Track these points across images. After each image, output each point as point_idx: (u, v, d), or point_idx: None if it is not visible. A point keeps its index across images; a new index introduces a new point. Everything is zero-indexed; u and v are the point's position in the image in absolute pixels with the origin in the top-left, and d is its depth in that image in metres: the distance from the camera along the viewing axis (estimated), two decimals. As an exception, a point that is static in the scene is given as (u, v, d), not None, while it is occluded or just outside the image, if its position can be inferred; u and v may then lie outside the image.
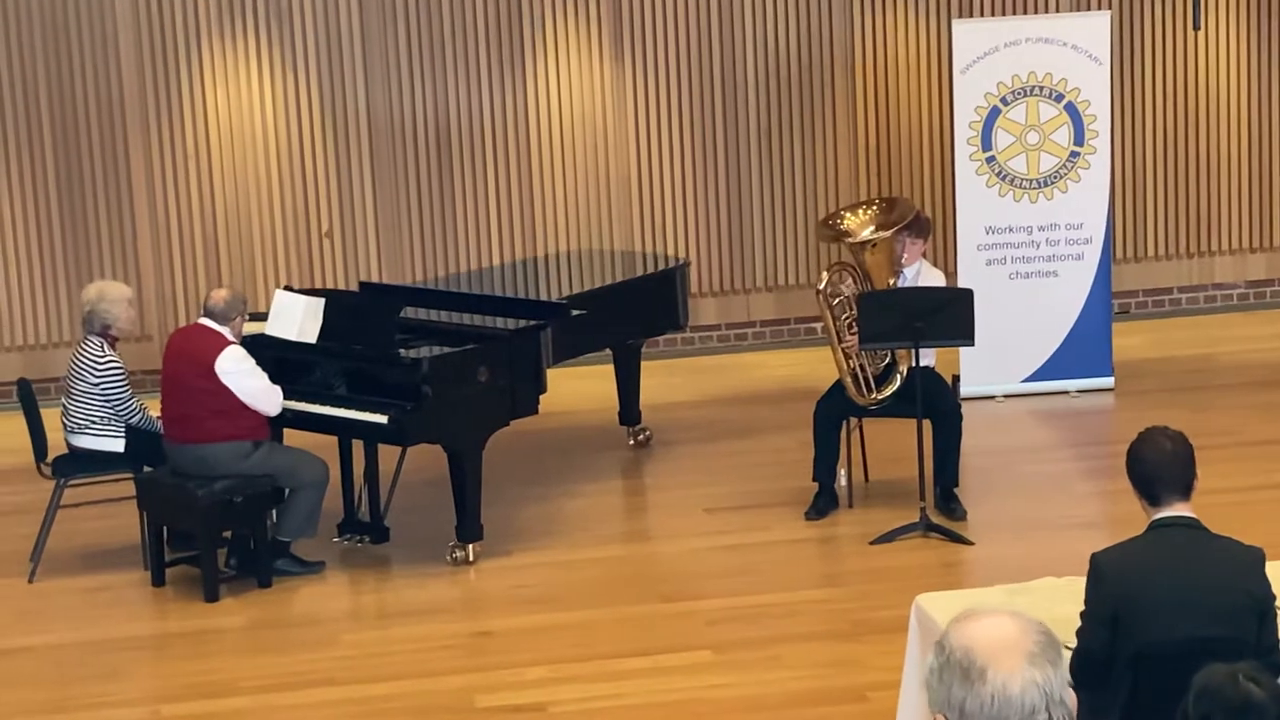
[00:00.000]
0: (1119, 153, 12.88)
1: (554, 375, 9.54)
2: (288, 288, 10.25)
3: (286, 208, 12.60)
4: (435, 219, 12.76)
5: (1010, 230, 11.50)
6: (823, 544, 9.31)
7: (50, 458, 9.35)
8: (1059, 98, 11.41)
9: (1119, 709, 5.39)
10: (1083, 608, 5.51)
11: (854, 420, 9.76)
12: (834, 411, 9.51)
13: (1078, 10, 12.80)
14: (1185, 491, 5.53)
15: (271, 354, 9.16)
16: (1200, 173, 13.35)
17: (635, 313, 10.42)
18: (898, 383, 9.42)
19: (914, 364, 9.21)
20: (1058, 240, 11.51)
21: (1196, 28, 12.87)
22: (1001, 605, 3.06)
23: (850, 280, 9.54)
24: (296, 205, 12.61)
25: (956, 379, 10.15)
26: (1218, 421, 10.58)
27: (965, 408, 9.75)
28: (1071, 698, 2.95)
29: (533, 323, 9.34)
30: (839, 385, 9.49)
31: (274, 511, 9.06)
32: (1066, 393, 11.54)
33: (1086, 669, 5.38)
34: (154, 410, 9.25)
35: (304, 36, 12.45)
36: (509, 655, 8.04)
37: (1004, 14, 12.83)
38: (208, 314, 8.97)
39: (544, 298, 10.30)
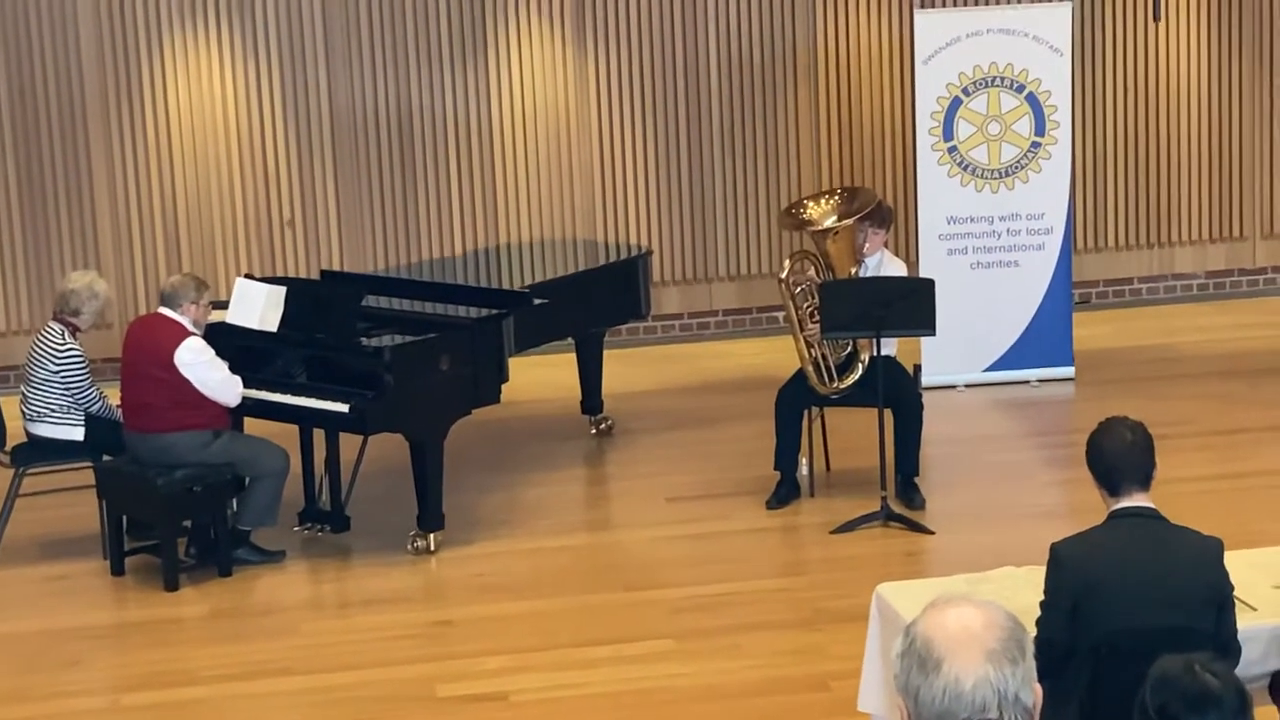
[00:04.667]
0: (1080, 143, 12.92)
1: (516, 364, 9.53)
2: (249, 276, 10.21)
3: (247, 196, 12.55)
4: (397, 207, 12.73)
5: (971, 220, 11.53)
6: (784, 533, 9.32)
7: (9, 446, 9.31)
8: (1020, 88, 11.44)
9: (1078, 698, 5.42)
10: (1043, 597, 5.53)
11: (816, 409, 9.77)
12: (796, 400, 9.53)
13: (1039, 1, 12.81)
14: (1145, 482, 5.56)
15: (232, 342, 9.13)
16: (1160, 163, 13.40)
17: (597, 301, 10.41)
18: (859, 372, 9.44)
19: (875, 353, 9.23)
20: (1019, 230, 11.55)
21: (1157, 19, 12.91)
22: (963, 594, 3.05)
23: (812, 269, 9.55)
24: (257, 193, 12.56)
25: (918, 368, 10.17)
26: (1177, 411, 10.63)
27: (926, 397, 9.77)
28: (1033, 695, 2.95)
29: (495, 311, 9.33)
30: (801, 374, 9.51)
31: (234, 500, 9.04)
32: (1027, 382, 11.57)
33: (1046, 658, 5.39)
34: (114, 398, 9.22)
35: (265, 24, 12.39)
36: (470, 644, 8.04)
37: (966, 5, 12.84)
38: (162, 301, 8.98)
39: (506, 286, 10.29)
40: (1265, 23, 13.32)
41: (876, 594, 6.37)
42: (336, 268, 12.36)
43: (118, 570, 9.02)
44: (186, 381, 8.76)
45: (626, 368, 12.10)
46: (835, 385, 9.48)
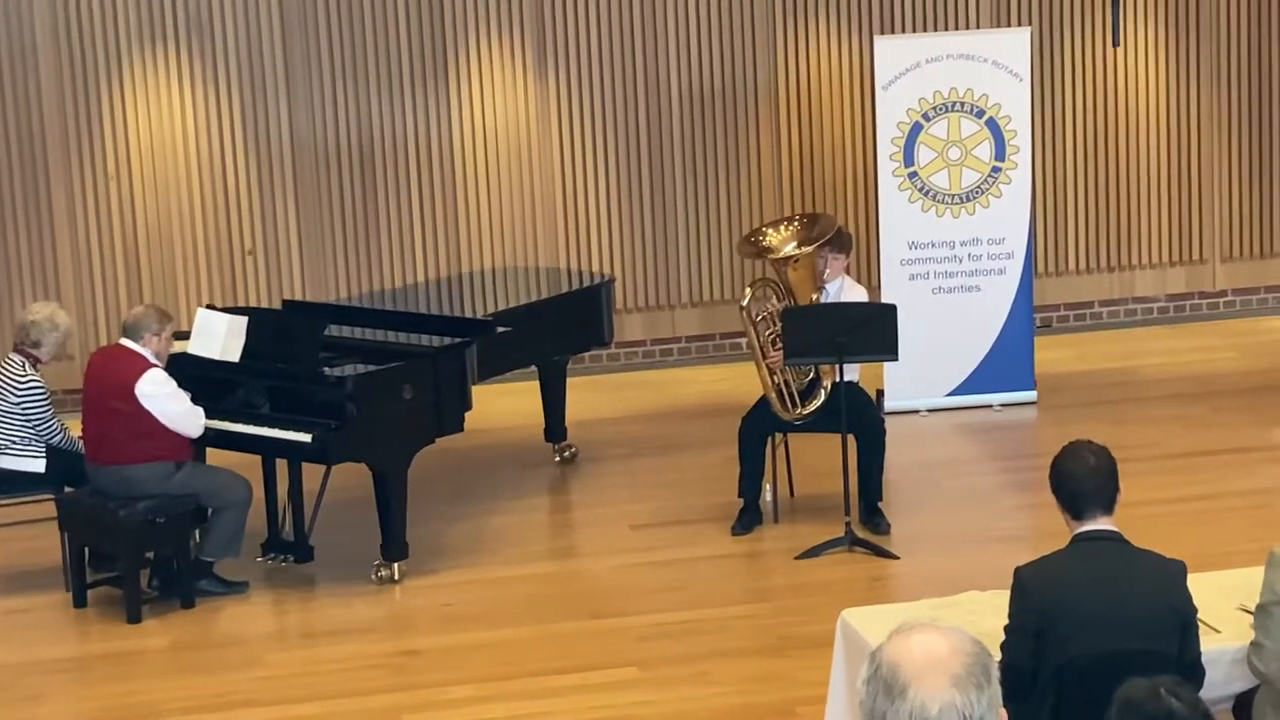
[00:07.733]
0: (1040, 168, 12.96)
1: (479, 392, 9.52)
2: (210, 306, 10.18)
3: (209, 225, 12.52)
4: (359, 236, 12.71)
5: (933, 245, 11.56)
6: (749, 559, 9.32)
7: (-30, 479, 9.27)
8: (980, 113, 11.49)
9: (1044, 722, 5.43)
10: (1007, 621, 5.54)
11: (779, 435, 9.78)
12: (759, 427, 9.53)
13: (998, 26, 12.88)
14: (1108, 505, 5.58)
15: (194, 373, 9.10)
16: (1120, 187, 13.46)
17: (561, 329, 10.41)
18: (822, 398, 9.45)
19: (838, 379, 9.25)
20: (980, 255, 11.58)
21: (1116, 44, 12.98)
22: (928, 619, 3.07)
23: (774, 296, 9.57)
24: (219, 223, 12.53)
25: (880, 393, 10.19)
26: (1139, 434, 10.67)
27: (889, 422, 9.79)
28: None
29: (458, 340, 9.32)
30: (764, 401, 9.51)
31: (197, 531, 9.01)
32: (990, 407, 11.60)
33: (1011, 683, 5.41)
34: (75, 430, 9.18)
35: (224, 51, 12.37)
36: (436, 674, 8.02)
37: (925, 30, 12.90)
38: (124, 332, 8.95)
39: (469, 315, 10.28)
40: (1223, 47, 13.40)
41: (841, 620, 6.37)
42: (298, 296, 12.34)
43: (80, 603, 8.97)
44: (148, 413, 8.72)
45: (590, 395, 12.10)
46: (798, 411, 9.49)
